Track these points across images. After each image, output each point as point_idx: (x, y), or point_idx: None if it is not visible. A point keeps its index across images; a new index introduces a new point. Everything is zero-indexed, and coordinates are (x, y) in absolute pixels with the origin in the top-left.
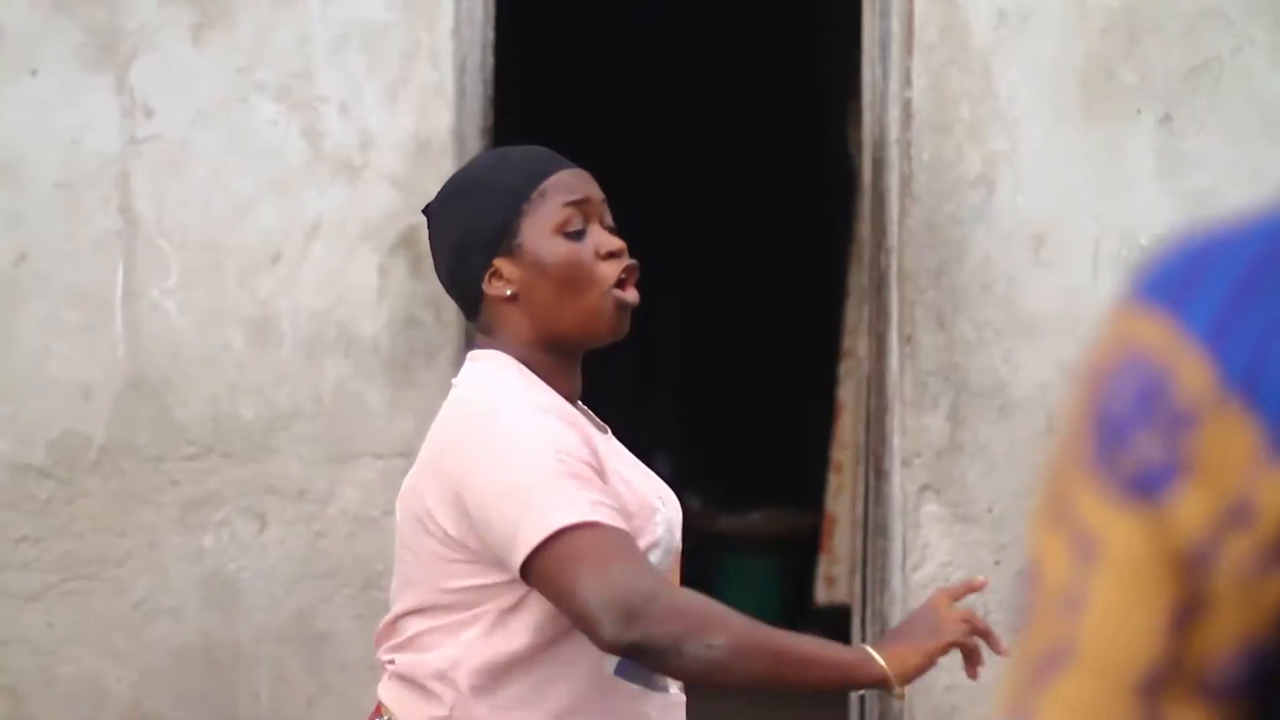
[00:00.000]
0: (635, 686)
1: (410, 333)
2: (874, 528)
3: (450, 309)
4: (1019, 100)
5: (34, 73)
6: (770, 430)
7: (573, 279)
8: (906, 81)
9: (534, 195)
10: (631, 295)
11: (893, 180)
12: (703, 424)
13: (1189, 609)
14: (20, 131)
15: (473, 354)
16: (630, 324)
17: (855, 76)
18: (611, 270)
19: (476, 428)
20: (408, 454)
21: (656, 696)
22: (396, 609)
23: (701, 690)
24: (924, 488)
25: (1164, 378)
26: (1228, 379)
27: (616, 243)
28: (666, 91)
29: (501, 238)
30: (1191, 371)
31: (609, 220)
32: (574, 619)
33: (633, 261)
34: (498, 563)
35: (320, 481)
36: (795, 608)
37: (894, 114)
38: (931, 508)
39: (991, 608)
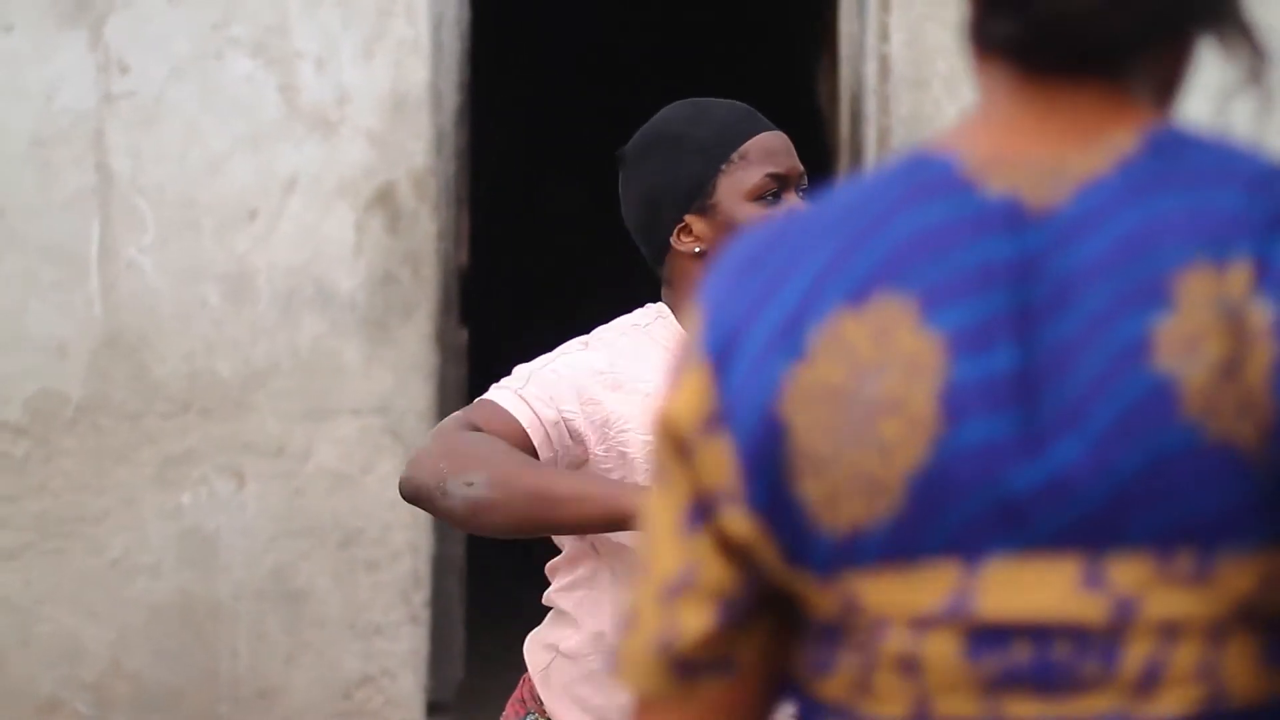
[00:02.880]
0: None
1: (387, 289)
2: None
3: (428, 265)
4: None
5: (8, 29)
6: None
7: None
8: (884, 36)
9: (735, 156)
10: None
11: (870, 134)
12: None
13: (681, 579)
14: None
15: (638, 312)
16: None
17: (827, 29)
18: None
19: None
20: (385, 410)
21: None
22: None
23: None
24: None
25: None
26: (711, 351)
27: None
28: (643, 42)
29: (696, 196)
30: (696, 343)
31: (804, 185)
32: None
33: None
34: None
35: (297, 438)
36: None
37: (871, 68)
38: None
39: None
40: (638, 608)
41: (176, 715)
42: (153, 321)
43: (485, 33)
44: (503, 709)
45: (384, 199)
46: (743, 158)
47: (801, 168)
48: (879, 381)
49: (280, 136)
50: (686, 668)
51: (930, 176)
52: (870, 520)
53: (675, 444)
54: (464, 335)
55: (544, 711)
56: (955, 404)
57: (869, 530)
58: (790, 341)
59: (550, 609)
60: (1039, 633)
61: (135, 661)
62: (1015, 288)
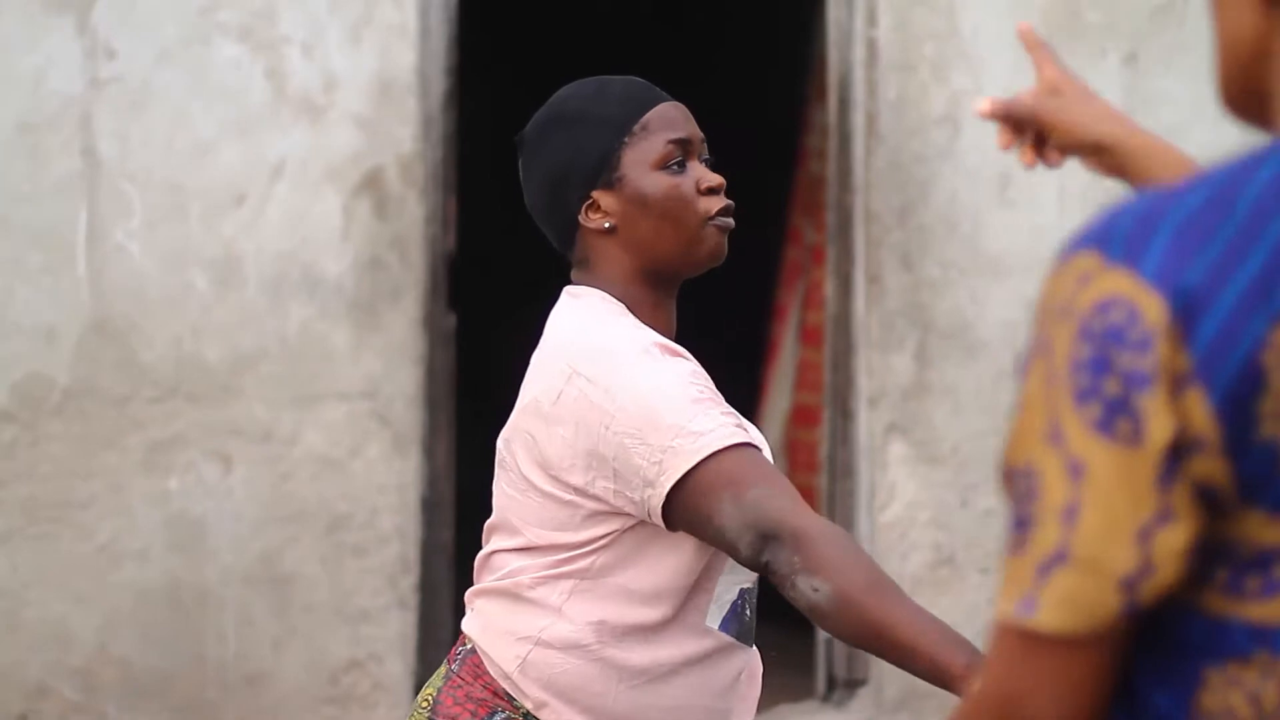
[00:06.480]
0: (735, 641)
1: (375, 274)
2: (840, 468)
3: (415, 250)
4: (983, 39)
5: None
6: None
7: (673, 212)
8: (871, 20)
9: (636, 128)
10: (728, 222)
11: (858, 119)
12: None
13: (1156, 521)
14: None
15: (570, 290)
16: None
17: (815, 14)
18: (711, 204)
19: (605, 374)
20: (373, 395)
21: (747, 652)
22: (495, 545)
23: None
24: (890, 428)
25: (1132, 312)
26: (1173, 314)
27: (716, 178)
28: (633, 27)
29: (601, 171)
30: (1150, 307)
31: (706, 155)
32: (715, 543)
33: (729, 202)
34: (616, 514)
35: (285, 423)
36: None
37: (859, 53)
38: (898, 448)
39: (958, 547)
40: (1083, 550)
41: (164, 700)
42: (140, 306)
43: (473, 17)
44: None
45: (371, 184)
46: (644, 128)
47: (702, 135)
48: None
49: (268, 121)
50: (1135, 610)
51: None
52: None
53: (1164, 390)
54: (452, 320)
55: (515, 708)
56: None
57: None
58: (1270, 300)
59: (494, 596)
60: None
61: (123, 647)
62: None
